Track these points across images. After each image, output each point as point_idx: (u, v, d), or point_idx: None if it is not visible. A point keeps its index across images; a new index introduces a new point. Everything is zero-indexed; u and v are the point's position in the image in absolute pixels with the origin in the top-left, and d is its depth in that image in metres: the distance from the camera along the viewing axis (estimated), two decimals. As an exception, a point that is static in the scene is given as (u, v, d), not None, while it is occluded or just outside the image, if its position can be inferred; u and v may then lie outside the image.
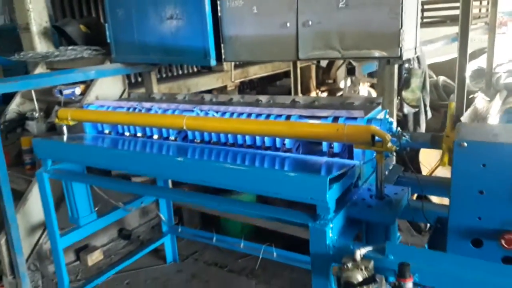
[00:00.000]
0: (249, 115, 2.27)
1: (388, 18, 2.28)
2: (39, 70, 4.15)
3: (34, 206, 3.23)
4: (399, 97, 3.45)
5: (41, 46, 4.25)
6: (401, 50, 2.28)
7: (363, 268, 1.56)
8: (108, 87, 3.70)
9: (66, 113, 2.75)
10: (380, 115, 2.20)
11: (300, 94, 5.18)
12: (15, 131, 3.84)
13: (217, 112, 2.41)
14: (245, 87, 7.28)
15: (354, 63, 3.14)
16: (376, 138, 1.75)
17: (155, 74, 3.92)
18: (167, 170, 2.13)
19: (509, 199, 1.33)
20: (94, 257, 3.89)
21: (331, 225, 1.68)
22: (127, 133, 2.77)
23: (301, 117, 2.20)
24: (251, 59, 3.10)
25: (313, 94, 5.65)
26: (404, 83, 3.25)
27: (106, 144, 2.58)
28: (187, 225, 4.13)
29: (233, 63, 5.14)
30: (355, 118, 2.04)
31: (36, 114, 3.69)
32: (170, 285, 3.49)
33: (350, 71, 3.52)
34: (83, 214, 3.04)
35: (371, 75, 3.95)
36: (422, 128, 3.66)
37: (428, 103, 3.30)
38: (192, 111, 2.49)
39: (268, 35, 2.72)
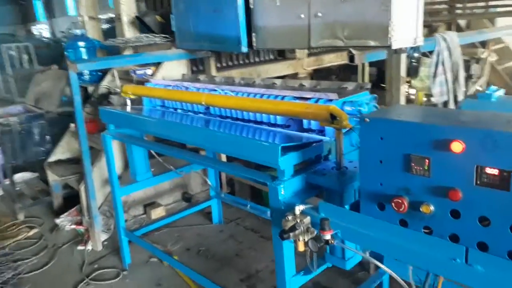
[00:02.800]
0: (249, 94, 2.68)
1: (380, 10, 2.47)
2: (126, 53, 5.01)
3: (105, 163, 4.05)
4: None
5: (129, 33, 5.08)
6: (390, 40, 2.46)
7: (299, 221, 1.90)
8: (172, 70, 4.36)
9: (127, 88, 3.45)
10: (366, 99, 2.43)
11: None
12: (103, 103, 4.74)
13: (232, 92, 2.86)
14: (320, 75, 7.52)
15: (353, 52, 3.25)
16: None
17: (214, 60, 4.48)
18: (175, 133, 2.68)
19: (400, 169, 1.57)
20: (157, 213, 4.64)
21: (282, 185, 2.04)
22: (171, 108, 3.36)
23: (295, 98, 2.54)
24: (273, 47, 3.44)
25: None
26: (413, 72, 3.27)
27: (148, 115, 3.19)
28: (238, 195, 4.66)
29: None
30: (331, 100, 2.32)
31: (118, 90, 4.51)
32: (210, 241, 4.07)
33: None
34: (140, 172, 3.75)
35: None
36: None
37: (460, 94, 3.26)
38: (215, 90, 2.97)
39: (287, 25, 3.06)
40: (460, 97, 3.35)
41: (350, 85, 2.61)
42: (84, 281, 3.52)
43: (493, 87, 2.05)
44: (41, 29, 26.97)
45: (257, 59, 5.44)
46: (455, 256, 1.47)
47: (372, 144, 1.64)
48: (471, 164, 1.38)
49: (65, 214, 4.50)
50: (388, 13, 2.44)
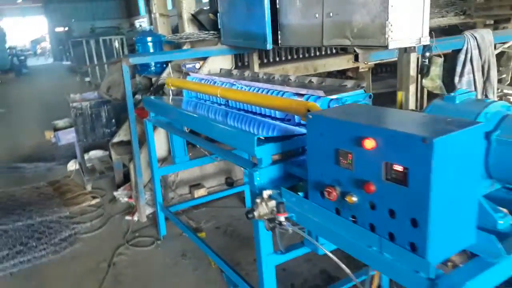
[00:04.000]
0: (256, 89, 2.92)
1: (378, 10, 2.55)
2: (185, 47, 5.49)
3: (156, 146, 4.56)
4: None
5: (189, 29, 5.56)
6: (387, 39, 2.52)
7: (263, 204, 2.13)
8: (218, 64, 4.72)
9: (169, 80, 3.88)
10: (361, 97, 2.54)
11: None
12: (159, 93, 5.28)
13: (246, 86, 3.12)
14: (381, 70, 7.41)
15: (358, 51, 3.20)
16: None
17: (257, 56, 4.75)
18: (188, 122, 3.07)
19: (333, 162, 1.71)
20: (200, 193, 5.08)
21: (258, 172, 2.27)
22: (203, 99, 3.72)
23: (296, 94, 2.73)
24: (295, 44, 3.58)
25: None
26: (425, 71, 3.14)
27: (183, 106, 3.55)
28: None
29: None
30: (319, 97, 2.48)
31: (170, 81, 5.00)
32: (239, 222, 4.39)
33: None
34: (178, 155, 4.19)
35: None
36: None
37: (491, 95, 3.10)
38: (234, 84, 3.26)
39: (305, 24, 3.23)
40: (492, 97, 3.22)
41: (349, 83, 2.72)
42: (124, 245, 4.06)
43: (462, 89, 2.02)
44: (142, 22, 29.29)
45: (318, 53, 5.49)
46: (372, 244, 1.60)
47: (314, 139, 1.80)
48: (380, 160, 1.50)
49: (122, 188, 5.15)
50: (386, 13, 2.51)
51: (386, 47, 2.55)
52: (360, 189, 1.61)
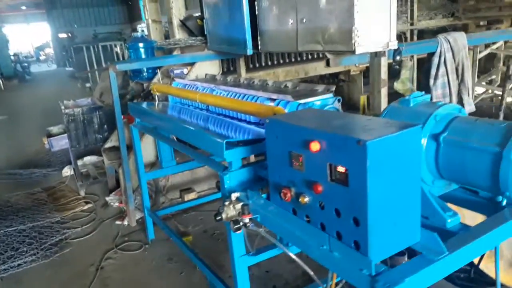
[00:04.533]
0: (235, 94, 3.00)
1: (345, 16, 2.62)
2: (176, 53, 5.58)
3: (144, 151, 4.64)
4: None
5: (179, 35, 5.66)
6: (354, 45, 2.59)
7: (231, 206, 2.20)
8: (205, 69, 4.81)
9: (154, 86, 3.97)
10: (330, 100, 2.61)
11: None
12: (149, 98, 5.37)
13: (224, 91, 3.20)
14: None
15: (329, 56, 3.26)
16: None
17: (244, 61, 4.83)
18: (166, 126, 3.15)
19: (287, 163, 1.78)
20: (190, 197, 5.15)
21: (228, 175, 2.34)
22: (186, 105, 3.80)
23: (269, 99, 2.80)
24: (273, 50, 3.66)
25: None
26: (395, 75, 3.20)
27: (168, 111, 3.62)
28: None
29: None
30: (288, 102, 2.55)
31: (160, 87, 5.09)
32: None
33: None
34: (165, 159, 4.27)
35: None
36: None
37: (466, 96, 3.14)
38: (214, 89, 3.33)
39: (281, 30, 3.30)
40: (467, 99, 3.27)
41: (320, 88, 2.79)
42: (113, 250, 4.14)
43: (418, 92, 2.09)
44: (145, 27, 29.39)
45: (310, 57, 5.53)
46: (323, 243, 1.67)
47: (272, 142, 1.87)
48: (325, 162, 1.57)
49: (113, 193, 5.24)
50: (352, 19, 2.58)
51: (353, 52, 2.61)
52: (311, 190, 1.67)
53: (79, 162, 6.10)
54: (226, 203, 2.19)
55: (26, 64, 26.06)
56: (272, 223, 1.98)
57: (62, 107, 5.58)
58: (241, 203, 2.17)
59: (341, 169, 1.53)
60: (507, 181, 1.57)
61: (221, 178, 2.39)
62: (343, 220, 1.56)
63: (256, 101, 2.81)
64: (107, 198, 5.23)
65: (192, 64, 4.95)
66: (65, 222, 4.73)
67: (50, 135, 5.69)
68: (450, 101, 3.21)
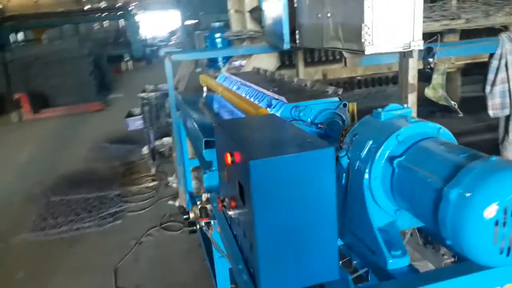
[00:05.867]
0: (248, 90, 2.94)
1: (357, 12, 2.36)
2: (245, 44, 5.63)
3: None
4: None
5: (251, 25, 5.68)
6: (363, 44, 2.33)
7: (200, 206, 2.19)
8: (262, 62, 4.76)
9: (202, 78, 4.08)
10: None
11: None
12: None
13: (245, 86, 3.15)
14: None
15: (345, 54, 2.79)
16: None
17: (302, 56, 4.66)
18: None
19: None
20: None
21: (206, 175, 2.32)
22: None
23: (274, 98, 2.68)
24: (306, 45, 3.41)
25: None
26: (425, 79, 2.62)
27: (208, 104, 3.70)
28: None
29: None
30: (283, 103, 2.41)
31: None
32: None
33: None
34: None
35: None
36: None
37: None
38: (237, 83, 3.31)
39: (312, 24, 3.10)
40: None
41: (331, 90, 2.57)
42: (156, 228, 4.43)
43: (395, 105, 1.75)
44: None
45: None
46: (239, 262, 1.56)
47: (218, 145, 1.80)
48: (235, 177, 1.46)
49: (175, 174, 5.56)
50: (362, 15, 2.31)
51: (363, 52, 2.34)
52: (229, 204, 1.58)
53: (158, 142, 6.58)
54: (198, 203, 2.18)
55: (155, 48, 28.78)
56: (216, 230, 1.92)
57: (145, 90, 6.06)
58: (209, 205, 2.14)
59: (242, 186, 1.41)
60: (445, 226, 1.27)
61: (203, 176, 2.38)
62: (246, 242, 1.44)
63: (263, 99, 2.71)
64: (169, 178, 5.57)
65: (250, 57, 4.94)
66: (126, 196, 5.19)
67: (130, 115, 6.23)
68: (510, 113, 2.67)
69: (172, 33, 44.36)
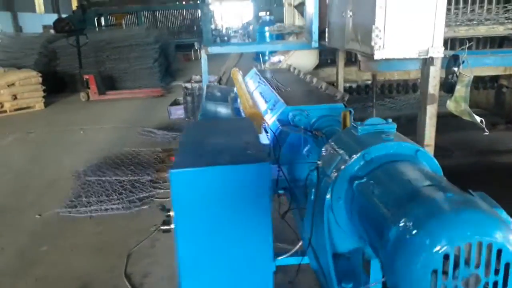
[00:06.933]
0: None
1: (370, 13, 2.16)
2: (291, 38, 5.50)
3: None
4: None
5: (298, 20, 5.54)
6: (373, 48, 2.13)
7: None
8: (301, 59, 4.59)
9: (232, 72, 4.04)
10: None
11: None
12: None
13: (263, 83, 3.04)
14: None
15: (359, 57, 2.43)
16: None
17: (343, 54, 4.43)
18: None
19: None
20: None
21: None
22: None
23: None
24: (333, 46, 3.19)
25: None
26: (447, 89, 2.21)
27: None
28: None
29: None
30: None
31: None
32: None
33: None
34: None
35: None
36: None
37: None
38: (258, 86, 3.21)
39: (338, 24, 2.91)
40: None
41: (339, 95, 2.39)
42: (178, 217, 4.48)
43: (376, 119, 1.52)
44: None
45: None
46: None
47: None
48: (177, 182, 1.38)
49: (208, 166, 5.60)
50: (373, 17, 2.10)
51: (372, 56, 2.14)
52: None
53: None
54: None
55: (226, 38, 29.35)
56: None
57: (192, 80, 6.16)
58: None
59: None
60: (384, 266, 1.10)
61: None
62: (180, 251, 1.36)
63: (270, 99, 2.59)
64: (202, 169, 5.62)
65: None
66: (157, 182, 5.31)
67: (175, 103, 6.37)
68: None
69: (249, 23, 45.13)
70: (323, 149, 1.61)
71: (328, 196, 1.44)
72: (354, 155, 1.39)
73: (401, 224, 1.03)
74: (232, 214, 1.17)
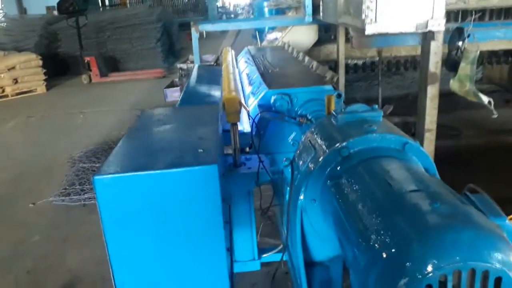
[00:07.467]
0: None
1: (361, -17, 1.90)
2: (290, 13, 5.19)
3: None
4: None
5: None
6: (364, 21, 1.88)
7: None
8: (299, 36, 4.32)
9: (224, 51, 3.80)
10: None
11: None
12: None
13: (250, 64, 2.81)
14: None
15: (351, 33, 2.17)
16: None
17: (343, 30, 4.14)
18: None
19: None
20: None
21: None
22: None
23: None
24: (327, 21, 2.92)
25: None
26: (450, 68, 1.96)
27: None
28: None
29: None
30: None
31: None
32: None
33: None
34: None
35: None
36: None
37: None
38: (247, 66, 2.97)
39: (330, -4, 2.65)
40: None
41: (329, 75, 2.15)
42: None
43: (360, 105, 1.29)
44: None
45: None
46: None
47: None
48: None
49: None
50: (364, -13, 1.85)
51: (363, 30, 1.89)
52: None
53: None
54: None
55: (232, 16, 28.81)
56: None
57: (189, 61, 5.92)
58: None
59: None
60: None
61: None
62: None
63: (255, 82, 2.37)
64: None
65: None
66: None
67: (171, 85, 6.15)
68: None
69: (253, 0, 44.24)
70: (301, 141, 1.40)
71: (301, 197, 1.24)
72: (329, 150, 1.18)
73: (377, 242, 0.83)
74: (173, 226, 0.98)
